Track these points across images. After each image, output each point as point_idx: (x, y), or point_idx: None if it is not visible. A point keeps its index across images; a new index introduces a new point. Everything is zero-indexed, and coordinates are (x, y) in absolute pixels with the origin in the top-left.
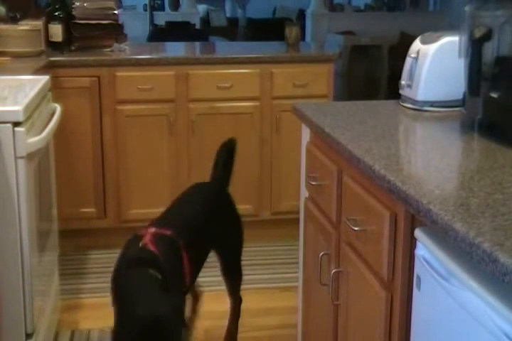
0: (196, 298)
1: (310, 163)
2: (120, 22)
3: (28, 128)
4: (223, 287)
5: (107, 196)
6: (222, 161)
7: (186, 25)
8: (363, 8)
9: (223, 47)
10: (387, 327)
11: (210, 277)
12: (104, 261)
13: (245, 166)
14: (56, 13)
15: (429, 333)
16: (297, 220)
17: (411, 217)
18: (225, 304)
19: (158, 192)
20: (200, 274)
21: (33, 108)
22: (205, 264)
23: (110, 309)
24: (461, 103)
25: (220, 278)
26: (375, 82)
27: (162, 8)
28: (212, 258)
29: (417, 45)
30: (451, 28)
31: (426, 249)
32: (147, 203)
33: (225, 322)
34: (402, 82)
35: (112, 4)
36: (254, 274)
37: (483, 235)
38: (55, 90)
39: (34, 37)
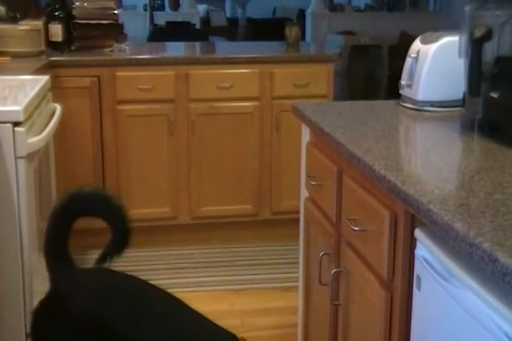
0: None
1: (310, 163)
2: (120, 22)
3: (28, 128)
4: (223, 287)
5: None
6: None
7: (186, 25)
8: (363, 8)
9: (223, 47)
10: (387, 327)
11: (210, 277)
12: None
13: (245, 166)
14: (56, 13)
15: (429, 333)
16: (297, 220)
17: (411, 216)
18: (225, 304)
19: (158, 192)
20: (200, 274)
21: (33, 108)
22: (205, 264)
23: None
24: (461, 103)
25: (220, 278)
26: (375, 82)
27: (162, 8)
28: (215, 258)
29: (417, 45)
30: (451, 28)
31: (426, 249)
32: (147, 203)
33: (225, 322)
34: (402, 82)
35: (112, 4)
36: (254, 274)
37: (483, 235)
38: (55, 90)
39: (34, 37)
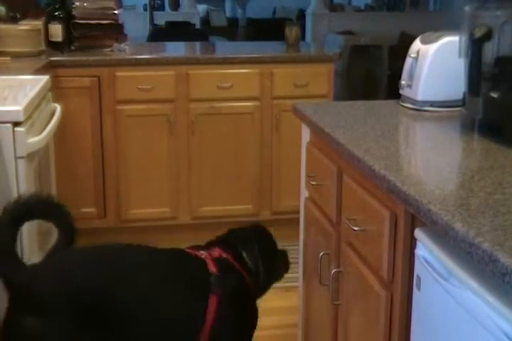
0: None
1: (310, 163)
2: (120, 22)
3: (28, 128)
4: None
5: (106, 196)
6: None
7: (186, 25)
8: (363, 8)
9: (223, 47)
10: (387, 327)
11: None
12: None
13: (245, 166)
14: (56, 13)
15: (429, 333)
16: (297, 220)
17: (411, 217)
18: None
19: (158, 192)
20: None
21: (33, 108)
22: None
23: None
24: (461, 103)
25: None
26: (375, 82)
27: (162, 8)
28: None
29: (417, 45)
30: (451, 28)
31: (426, 249)
32: (147, 203)
33: None
34: (402, 82)
35: (112, 4)
36: None
37: (483, 235)
38: (55, 90)
39: (34, 37)
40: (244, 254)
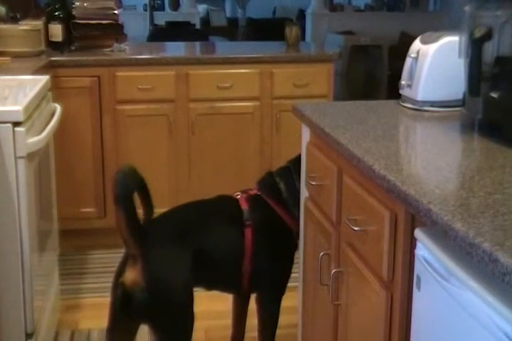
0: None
1: (310, 163)
2: (120, 22)
3: (28, 128)
4: None
5: (107, 196)
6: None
7: (186, 25)
8: (363, 8)
9: (223, 47)
10: (387, 327)
11: None
12: (104, 261)
13: (245, 166)
14: (56, 13)
15: (429, 333)
16: None
17: (411, 217)
18: (225, 304)
19: (158, 192)
20: None
21: (33, 108)
22: None
23: None
24: (461, 103)
25: None
26: (375, 82)
27: (162, 8)
28: None
29: (417, 45)
30: (451, 28)
31: (426, 249)
32: None
33: (225, 322)
34: (402, 82)
35: (112, 4)
36: None
37: (483, 235)
38: (55, 90)
39: (34, 37)
40: (281, 185)
